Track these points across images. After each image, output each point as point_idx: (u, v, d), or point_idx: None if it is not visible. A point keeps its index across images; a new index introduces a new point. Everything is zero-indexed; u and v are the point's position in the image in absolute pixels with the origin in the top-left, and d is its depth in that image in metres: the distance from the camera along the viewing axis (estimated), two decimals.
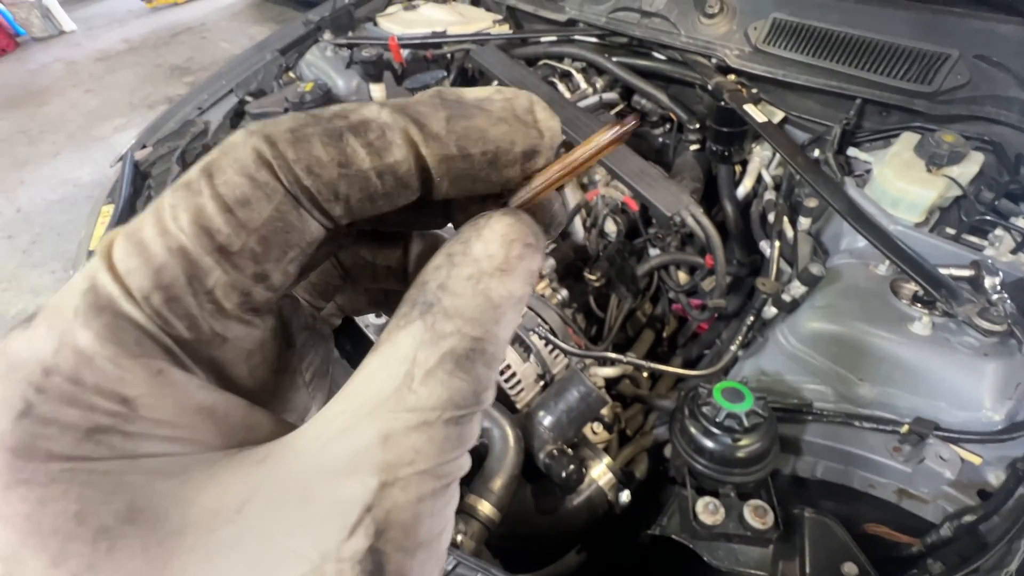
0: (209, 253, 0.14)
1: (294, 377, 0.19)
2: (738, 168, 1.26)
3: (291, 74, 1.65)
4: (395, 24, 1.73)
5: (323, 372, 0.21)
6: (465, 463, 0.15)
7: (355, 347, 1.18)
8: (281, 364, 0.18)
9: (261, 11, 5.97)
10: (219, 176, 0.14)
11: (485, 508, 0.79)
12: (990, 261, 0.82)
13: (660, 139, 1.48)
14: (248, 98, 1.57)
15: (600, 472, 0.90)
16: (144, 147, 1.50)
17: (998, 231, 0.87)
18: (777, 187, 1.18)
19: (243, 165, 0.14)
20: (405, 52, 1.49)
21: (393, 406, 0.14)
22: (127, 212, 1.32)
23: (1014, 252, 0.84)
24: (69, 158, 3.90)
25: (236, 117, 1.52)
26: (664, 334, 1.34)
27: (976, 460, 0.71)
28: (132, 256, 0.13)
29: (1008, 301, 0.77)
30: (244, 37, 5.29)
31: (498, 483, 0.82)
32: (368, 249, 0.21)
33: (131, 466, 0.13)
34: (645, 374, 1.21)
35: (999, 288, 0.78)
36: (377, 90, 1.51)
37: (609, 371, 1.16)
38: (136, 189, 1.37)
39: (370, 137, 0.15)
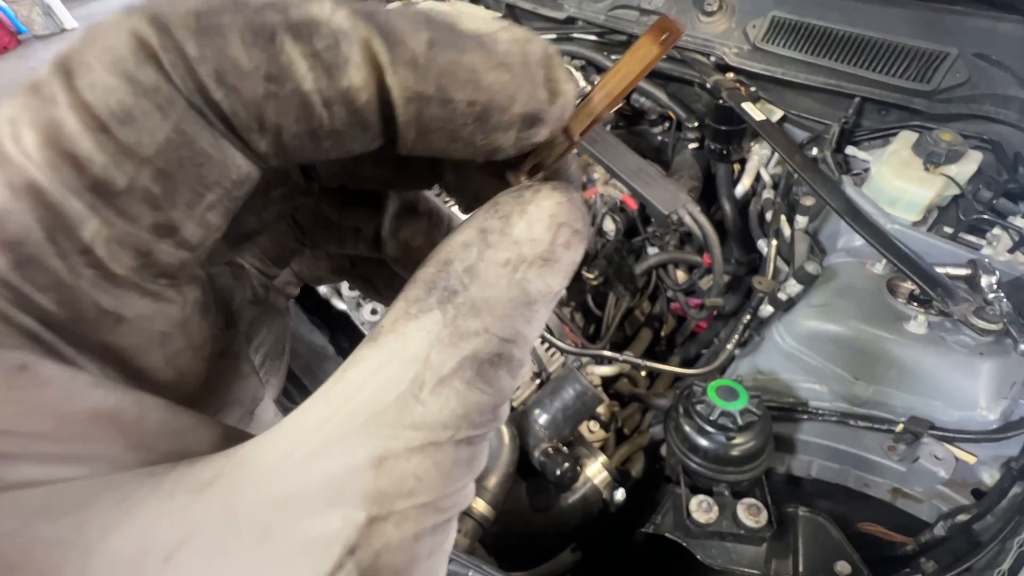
0: (77, 193, 0.09)
1: (238, 363, 0.15)
2: (737, 166, 1.26)
3: None
4: None
5: (277, 353, 0.18)
6: (471, 491, 0.12)
7: (354, 346, 1.18)
8: (218, 348, 0.14)
9: None
10: (82, 75, 0.09)
11: (480, 506, 0.79)
12: (987, 260, 0.82)
13: (659, 137, 1.48)
14: None
15: (595, 470, 0.90)
16: None
17: (996, 230, 0.87)
18: (775, 186, 1.18)
19: (117, 58, 0.09)
20: None
21: (394, 419, 0.11)
22: None
23: (1011, 251, 0.84)
24: None
25: None
26: (662, 333, 1.33)
27: (971, 459, 0.70)
28: None
29: (1004, 300, 0.76)
30: None
31: (493, 480, 0.82)
32: (332, 207, 0.17)
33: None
34: (643, 373, 1.21)
35: (995, 287, 0.77)
36: None
37: (606, 370, 1.16)
38: None
39: (317, 45, 0.10)
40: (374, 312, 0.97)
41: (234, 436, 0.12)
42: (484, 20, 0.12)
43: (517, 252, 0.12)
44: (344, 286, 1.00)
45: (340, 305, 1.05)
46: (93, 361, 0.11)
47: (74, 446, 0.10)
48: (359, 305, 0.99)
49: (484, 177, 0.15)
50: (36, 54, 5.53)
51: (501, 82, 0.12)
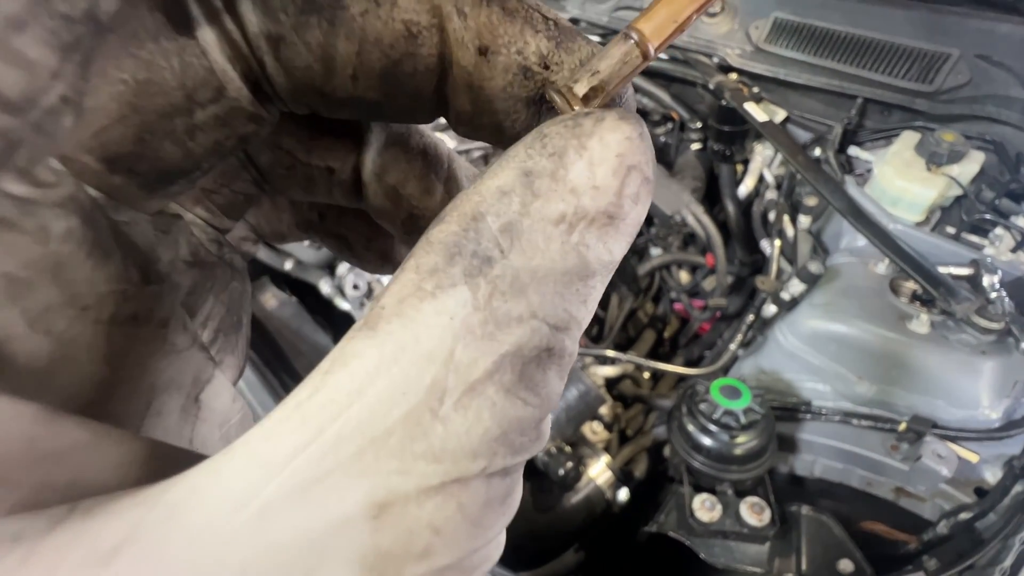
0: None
1: (166, 332, 0.11)
2: (740, 167, 1.26)
3: None
4: None
5: (231, 325, 0.14)
6: (502, 540, 0.09)
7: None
8: (129, 310, 0.10)
9: None
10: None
11: None
12: (989, 260, 0.82)
13: (662, 138, 1.48)
14: None
15: (599, 470, 0.91)
16: None
17: (998, 230, 0.87)
18: (779, 186, 1.18)
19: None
20: None
21: (401, 446, 0.08)
22: None
23: (1013, 251, 0.84)
24: None
25: None
26: (665, 334, 1.34)
27: (973, 458, 0.71)
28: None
29: (1007, 299, 0.77)
30: None
31: None
32: (298, 140, 0.13)
33: None
34: (646, 374, 1.22)
35: (998, 286, 0.78)
36: None
37: (609, 370, 1.16)
38: None
39: None
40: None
41: (163, 459, 0.08)
42: None
43: (575, 204, 0.09)
44: (348, 285, 1.00)
45: (344, 305, 1.06)
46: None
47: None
48: (363, 305, 1.00)
49: (514, 102, 0.11)
50: None
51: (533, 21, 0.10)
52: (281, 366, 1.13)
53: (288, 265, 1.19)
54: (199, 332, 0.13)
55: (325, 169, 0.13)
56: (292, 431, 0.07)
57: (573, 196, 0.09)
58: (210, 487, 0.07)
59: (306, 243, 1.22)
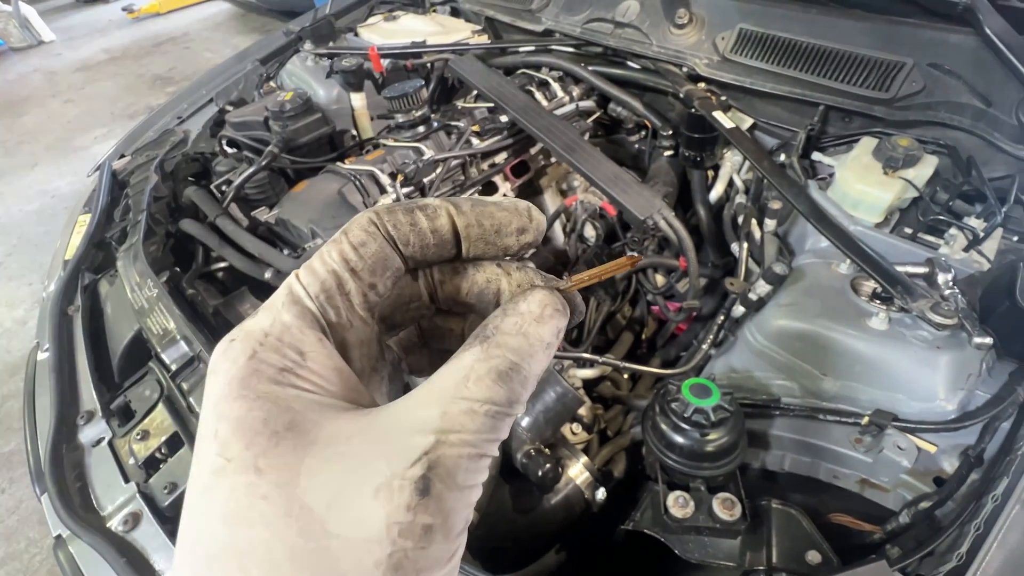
0: (346, 271, 0.23)
1: (379, 376, 0.27)
2: (711, 173, 1.30)
3: (272, 84, 1.66)
4: (376, 35, 1.76)
5: (395, 380, 0.29)
6: (494, 450, 0.21)
7: None
8: (374, 365, 0.26)
9: (244, 22, 5.97)
10: (350, 233, 0.24)
11: None
12: (943, 259, 0.86)
13: (636, 145, 1.52)
14: (228, 107, 1.58)
15: (577, 471, 0.92)
16: (122, 156, 1.50)
17: (952, 230, 0.91)
18: (747, 191, 1.22)
19: (363, 225, 0.24)
20: (385, 62, 1.52)
21: (452, 395, 0.20)
22: (104, 222, 1.31)
23: (966, 250, 0.88)
24: (47, 169, 3.85)
25: (216, 127, 1.53)
26: (643, 336, 1.36)
27: (931, 448, 0.74)
28: (308, 275, 0.23)
29: (959, 296, 0.80)
30: (228, 47, 5.28)
31: None
32: (442, 318, 0.29)
33: (296, 396, 0.21)
34: (625, 375, 1.24)
35: (951, 284, 0.81)
36: (358, 99, 1.52)
37: (588, 372, 1.18)
38: (114, 199, 1.37)
39: (428, 211, 0.25)
40: None
41: (373, 403, 0.23)
42: (500, 198, 0.28)
43: (521, 318, 0.23)
44: None
45: None
46: (337, 348, 0.23)
47: (326, 382, 0.22)
48: None
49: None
50: (14, 67, 5.44)
51: (504, 215, 0.26)
52: None
53: (268, 274, 1.18)
54: (384, 377, 0.27)
55: (450, 329, 0.29)
56: (421, 390, 0.22)
57: (520, 315, 0.24)
58: (398, 404, 0.21)
59: (284, 251, 1.22)
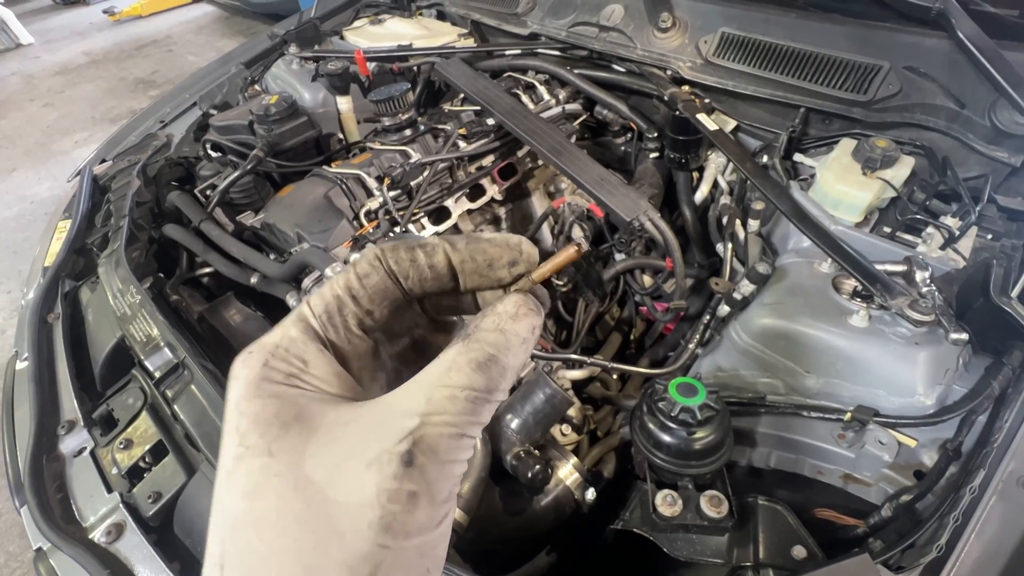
0: (349, 298, 0.28)
1: (377, 384, 0.31)
2: (696, 174, 1.31)
3: (256, 87, 1.65)
4: (362, 38, 1.75)
5: (393, 386, 0.31)
6: (475, 431, 0.24)
7: None
8: (372, 374, 0.30)
9: (228, 24, 5.91)
10: (357, 265, 0.28)
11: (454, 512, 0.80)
12: (921, 257, 0.88)
13: (622, 148, 1.53)
14: (212, 111, 1.56)
15: (567, 472, 0.92)
16: (104, 161, 1.47)
17: (929, 229, 0.93)
18: (732, 192, 1.24)
19: (369, 260, 0.28)
20: (371, 65, 1.51)
21: (436, 384, 0.24)
22: (85, 227, 1.29)
23: (943, 248, 0.90)
24: (26, 174, 3.77)
25: (199, 130, 1.51)
26: (632, 336, 1.37)
27: (912, 443, 0.75)
28: (316, 299, 0.28)
29: (937, 293, 0.82)
30: (211, 50, 5.22)
31: (465, 486, 0.83)
32: (434, 334, 0.33)
33: (302, 395, 0.25)
34: (614, 376, 1.24)
35: (928, 281, 0.83)
36: (344, 102, 1.52)
37: (577, 374, 1.19)
38: (95, 204, 1.35)
39: (427, 249, 0.29)
40: None
41: (369, 399, 0.27)
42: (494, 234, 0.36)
43: (498, 317, 0.27)
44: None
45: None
46: (337, 359, 0.28)
47: (327, 384, 0.26)
48: None
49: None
50: None
51: (496, 250, 0.29)
52: None
53: (253, 279, 1.17)
54: (381, 383, 0.32)
55: (439, 346, 0.32)
56: (410, 382, 0.26)
57: (497, 315, 0.27)
58: (388, 395, 0.25)
59: (270, 256, 1.21)
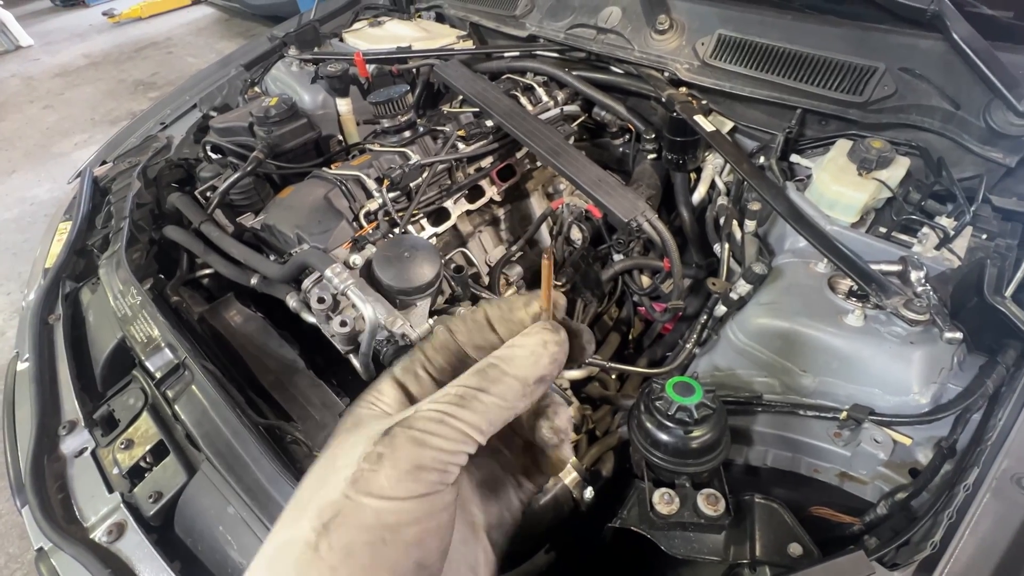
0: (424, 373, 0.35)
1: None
2: (693, 175, 1.32)
3: (256, 89, 1.66)
4: (361, 40, 1.76)
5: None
6: (462, 418, 0.28)
7: (327, 363, 1.18)
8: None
9: (228, 26, 5.92)
10: (427, 347, 0.34)
11: None
12: (916, 257, 0.89)
13: (620, 149, 1.54)
14: (212, 113, 1.57)
15: (565, 471, 0.93)
16: (104, 163, 1.48)
17: (925, 229, 0.94)
18: (729, 192, 1.24)
19: (442, 337, 0.34)
20: (371, 67, 1.52)
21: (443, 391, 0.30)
22: (86, 229, 1.30)
23: (938, 248, 0.91)
24: (26, 176, 3.78)
25: (200, 132, 1.52)
26: (630, 336, 1.38)
27: (907, 441, 0.76)
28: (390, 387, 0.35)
29: (931, 293, 0.83)
30: (211, 52, 5.23)
31: None
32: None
33: (368, 413, 0.33)
34: (613, 376, 1.25)
35: (923, 281, 0.84)
36: (344, 104, 1.53)
37: (576, 373, 1.19)
38: (95, 205, 1.35)
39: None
40: (343, 324, 0.98)
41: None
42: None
43: (513, 340, 0.32)
44: (313, 299, 1.01)
45: (310, 319, 1.06)
46: None
47: (390, 408, 0.34)
48: (328, 318, 1.00)
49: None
50: None
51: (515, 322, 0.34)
52: (247, 383, 1.12)
53: (254, 280, 1.18)
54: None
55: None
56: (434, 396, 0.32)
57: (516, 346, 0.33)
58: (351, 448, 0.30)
59: (271, 257, 1.22)
